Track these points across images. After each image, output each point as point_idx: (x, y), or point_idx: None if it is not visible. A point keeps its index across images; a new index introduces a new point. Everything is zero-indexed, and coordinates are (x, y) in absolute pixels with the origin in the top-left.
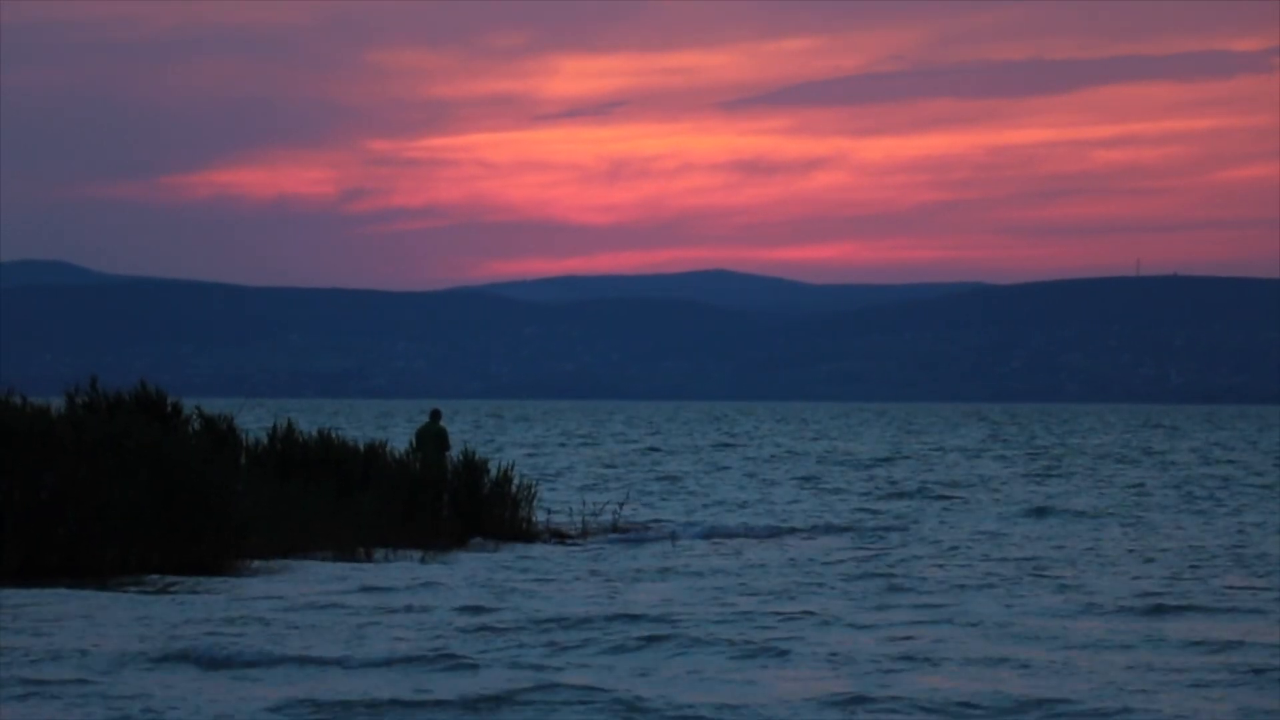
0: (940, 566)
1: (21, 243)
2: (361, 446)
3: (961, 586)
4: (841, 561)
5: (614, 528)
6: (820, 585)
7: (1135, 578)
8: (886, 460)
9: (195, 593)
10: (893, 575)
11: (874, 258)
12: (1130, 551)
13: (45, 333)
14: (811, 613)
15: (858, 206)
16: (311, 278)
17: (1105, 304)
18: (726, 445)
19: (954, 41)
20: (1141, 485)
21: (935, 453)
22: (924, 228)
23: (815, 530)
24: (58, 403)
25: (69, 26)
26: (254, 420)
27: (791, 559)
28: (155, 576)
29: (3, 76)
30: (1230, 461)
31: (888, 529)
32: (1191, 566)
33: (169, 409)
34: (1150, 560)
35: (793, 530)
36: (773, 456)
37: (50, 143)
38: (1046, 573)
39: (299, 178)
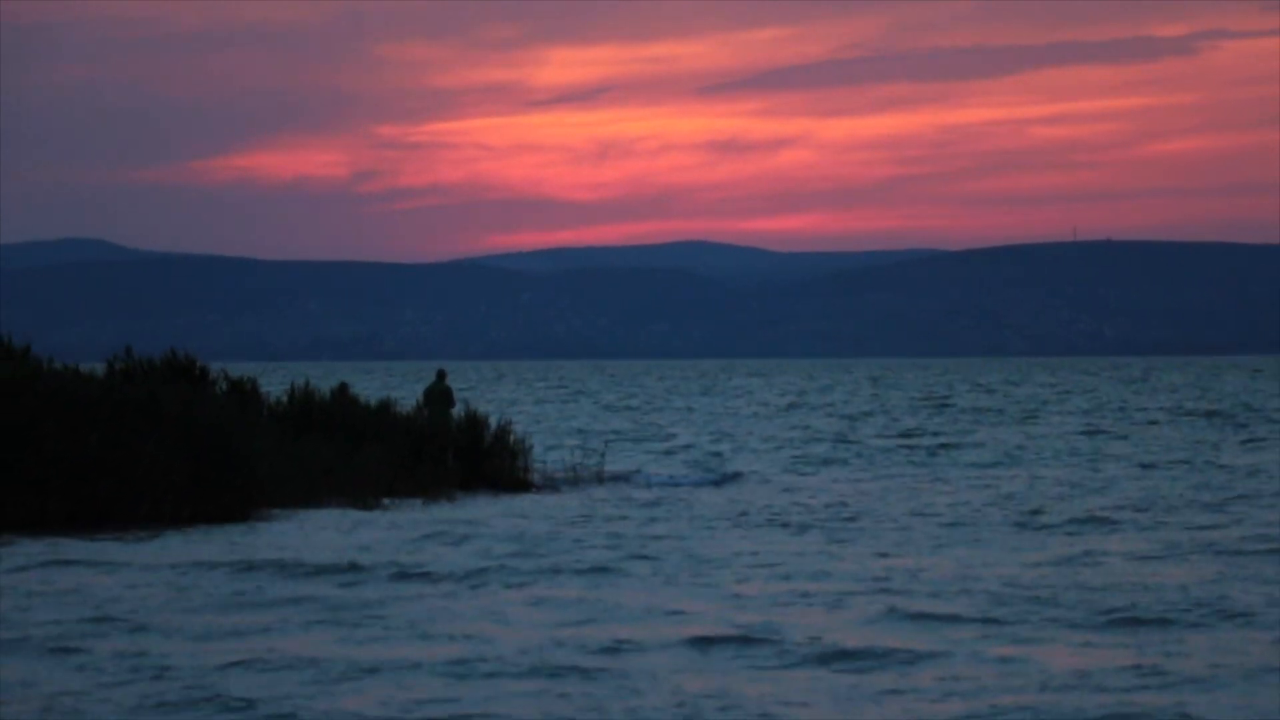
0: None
1: (63, 222)
2: (372, 404)
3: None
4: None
5: (598, 477)
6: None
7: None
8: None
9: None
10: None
11: (838, 227)
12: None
13: (85, 304)
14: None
15: (822, 181)
16: (326, 252)
17: (1045, 267)
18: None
19: (908, 30)
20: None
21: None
22: (882, 200)
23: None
24: (98, 368)
25: (105, 24)
26: (275, 382)
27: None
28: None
29: (50, 73)
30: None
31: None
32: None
33: (198, 372)
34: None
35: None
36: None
37: (88, 132)
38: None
39: (313, 161)
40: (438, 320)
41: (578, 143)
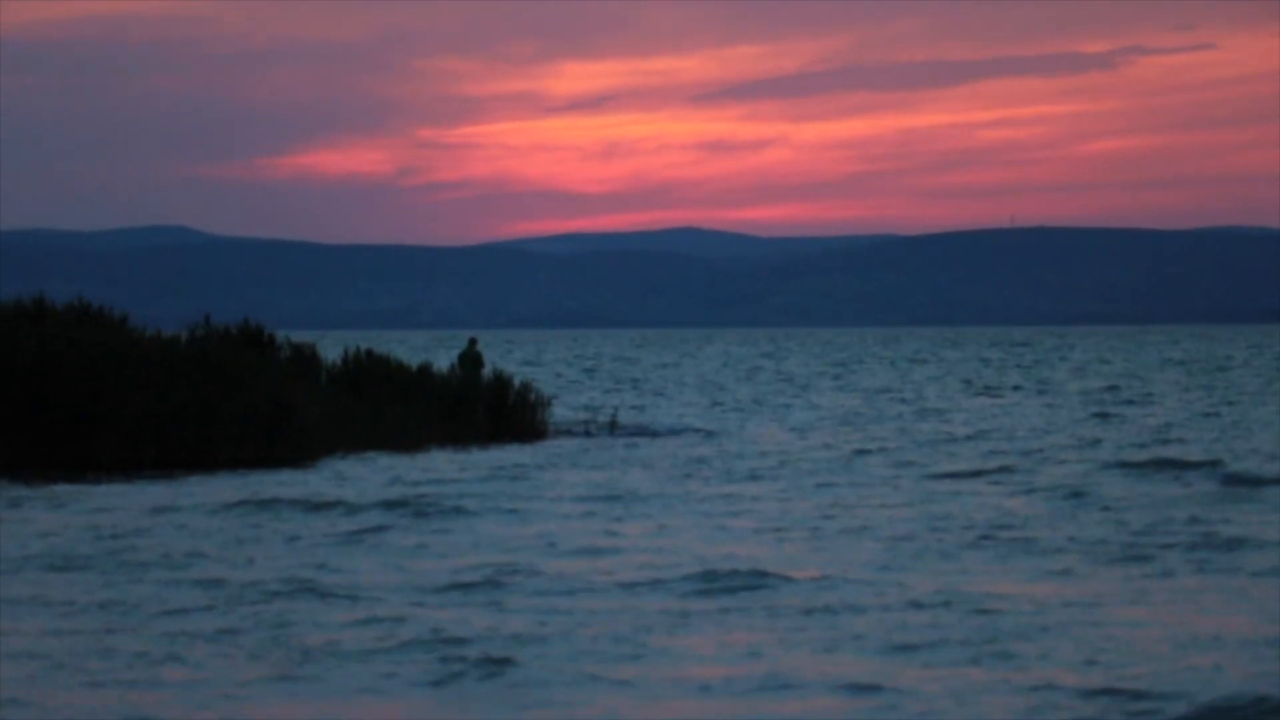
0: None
1: (150, 211)
2: (414, 367)
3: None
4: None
5: (613, 424)
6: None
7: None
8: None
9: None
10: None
11: (811, 216)
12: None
13: (169, 281)
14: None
15: (798, 176)
16: (373, 236)
17: (988, 249)
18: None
19: (870, 47)
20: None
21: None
22: (849, 192)
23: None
24: (182, 335)
25: (190, 43)
26: (331, 348)
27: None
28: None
29: (137, 82)
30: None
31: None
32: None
33: (265, 339)
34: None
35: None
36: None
37: (171, 133)
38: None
39: (362, 159)
40: (468, 295)
41: (587, 143)
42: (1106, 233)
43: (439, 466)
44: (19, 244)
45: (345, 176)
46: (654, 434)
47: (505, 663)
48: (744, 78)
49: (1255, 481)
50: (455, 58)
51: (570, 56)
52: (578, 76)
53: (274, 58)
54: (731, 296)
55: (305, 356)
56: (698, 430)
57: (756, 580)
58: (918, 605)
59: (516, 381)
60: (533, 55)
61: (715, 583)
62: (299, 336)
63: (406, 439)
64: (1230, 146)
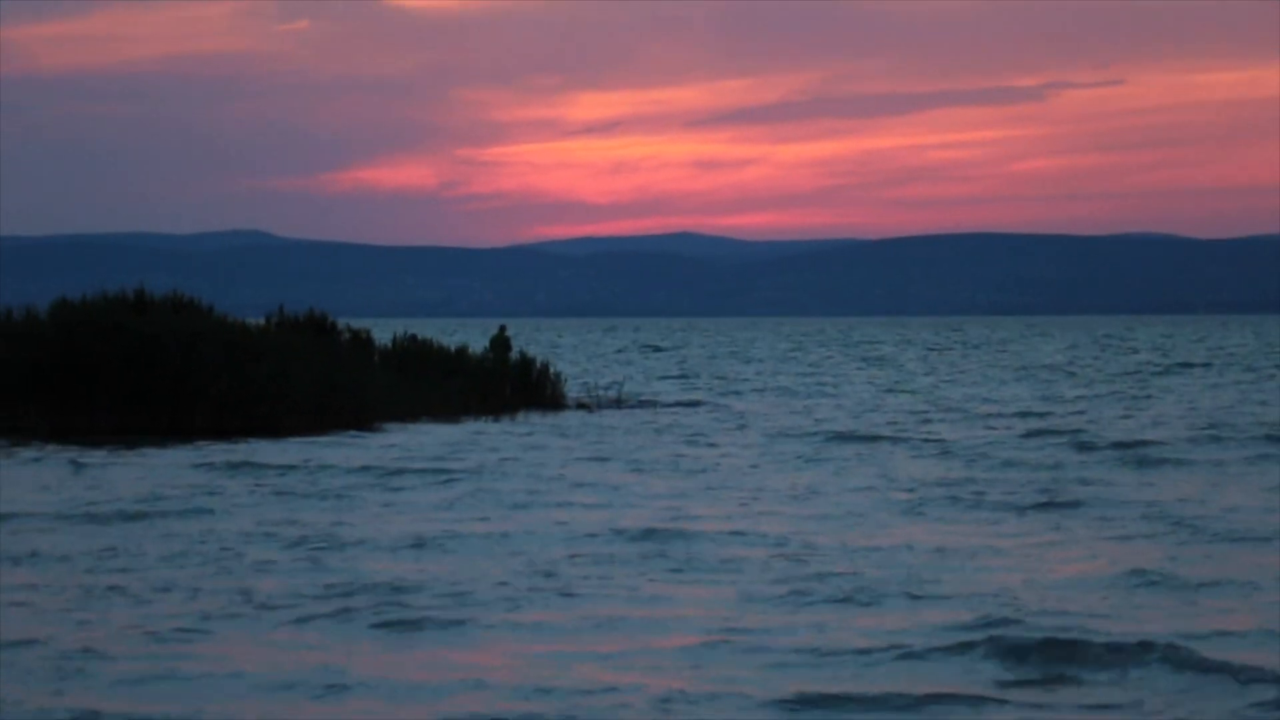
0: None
1: (234, 216)
2: (452, 349)
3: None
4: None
5: (618, 399)
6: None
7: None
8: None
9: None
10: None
11: (787, 223)
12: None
13: (249, 277)
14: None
15: (778, 189)
16: (420, 239)
17: (938, 251)
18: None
19: (838, 81)
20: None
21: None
22: (819, 203)
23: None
24: (260, 322)
25: (266, 76)
26: (382, 333)
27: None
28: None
29: (223, 109)
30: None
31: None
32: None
33: (328, 326)
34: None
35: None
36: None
37: (250, 152)
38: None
39: (411, 174)
40: (497, 288)
41: (599, 162)
42: (1035, 237)
43: (477, 430)
44: (125, 245)
45: (395, 189)
46: (652, 405)
47: (441, 609)
48: (731, 106)
49: (1096, 446)
50: (489, 89)
51: (585, 89)
52: (591, 105)
53: (336, 89)
54: (719, 290)
55: (361, 340)
56: (685, 404)
57: (676, 533)
58: (809, 552)
59: (538, 362)
60: (554, 87)
61: (644, 535)
62: (356, 323)
63: (447, 409)
64: (1136, 166)
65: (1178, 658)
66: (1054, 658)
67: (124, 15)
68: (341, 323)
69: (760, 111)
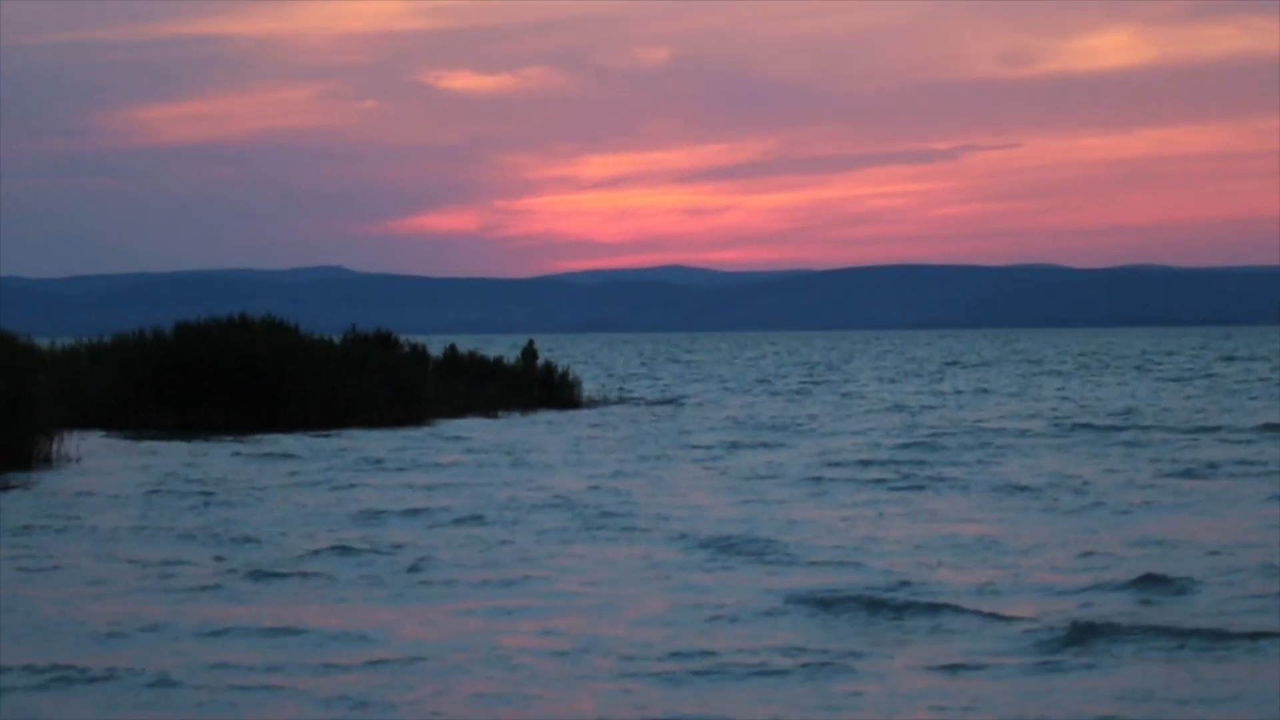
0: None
1: (319, 255)
2: (490, 359)
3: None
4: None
5: (624, 399)
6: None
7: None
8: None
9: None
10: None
11: (757, 257)
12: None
13: (330, 303)
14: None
15: (748, 231)
16: (465, 272)
17: (874, 279)
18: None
19: (796, 145)
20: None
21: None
22: (782, 242)
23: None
24: (337, 338)
25: (338, 145)
26: (435, 347)
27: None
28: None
29: (310, 170)
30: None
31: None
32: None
33: (393, 341)
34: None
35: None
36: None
37: (333, 204)
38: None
39: (458, 220)
40: (526, 310)
41: (606, 210)
42: (950, 268)
43: (510, 424)
44: (234, 278)
45: (446, 232)
46: (648, 404)
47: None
48: (711, 166)
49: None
50: (519, 154)
51: (596, 153)
52: (600, 166)
53: (399, 155)
54: (701, 311)
55: (419, 353)
56: (674, 401)
57: (627, 507)
58: (721, 522)
59: (558, 369)
60: (571, 152)
61: (598, 511)
62: (415, 339)
63: (486, 407)
64: (1029, 211)
65: (961, 610)
66: (866, 612)
67: (230, 98)
68: (403, 338)
69: (734, 169)
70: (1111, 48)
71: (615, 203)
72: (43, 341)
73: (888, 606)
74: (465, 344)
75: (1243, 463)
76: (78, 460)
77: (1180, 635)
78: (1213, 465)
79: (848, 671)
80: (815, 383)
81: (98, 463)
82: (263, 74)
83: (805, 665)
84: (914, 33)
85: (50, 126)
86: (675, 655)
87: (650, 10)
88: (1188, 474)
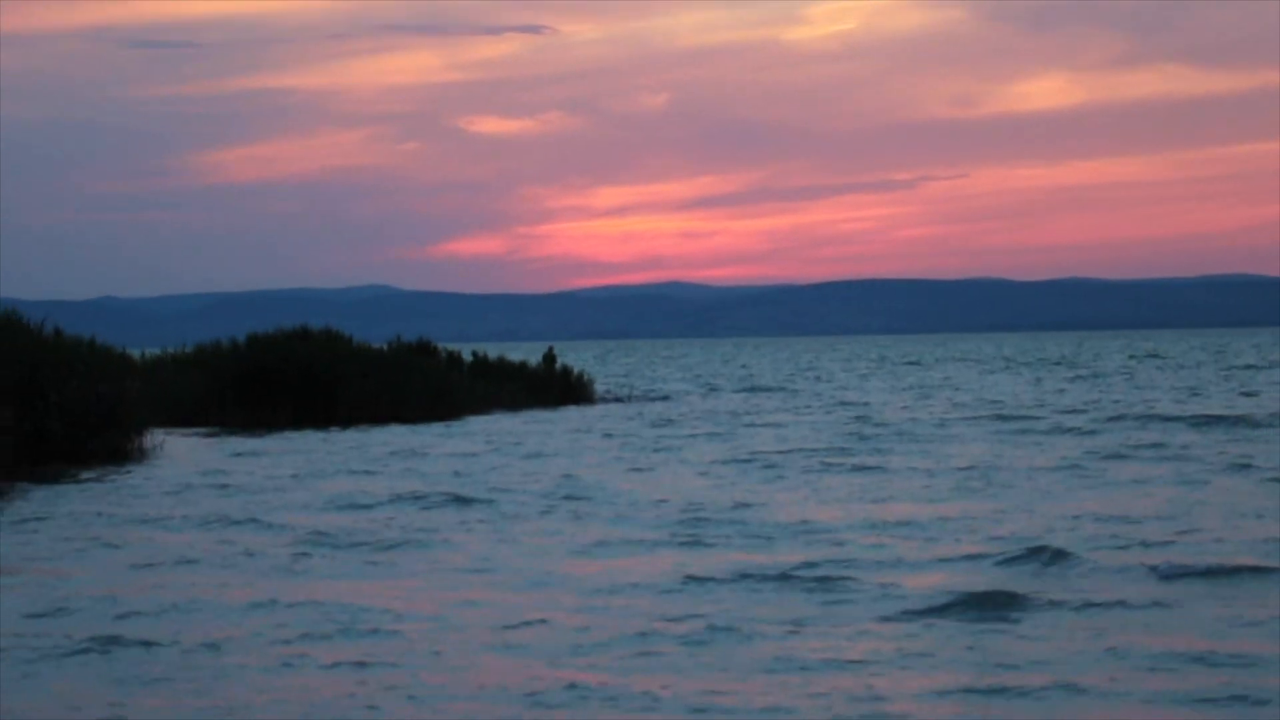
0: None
1: (368, 275)
2: (516, 362)
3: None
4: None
5: (630, 397)
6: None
7: None
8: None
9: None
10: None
11: (744, 274)
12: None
13: (376, 318)
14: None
15: (734, 252)
16: (493, 288)
17: (845, 292)
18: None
19: (778, 177)
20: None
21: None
22: (766, 261)
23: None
24: (384, 347)
25: (385, 182)
26: (467, 353)
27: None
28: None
29: (361, 203)
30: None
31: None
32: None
33: (432, 349)
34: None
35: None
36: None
37: (380, 231)
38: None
39: (486, 245)
40: (546, 321)
41: (615, 234)
42: (910, 281)
43: (534, 419)
44: (296, 296)
45: (476, 254)
46: (648, 400)
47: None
48: (704, 195)
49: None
50: (541, 187)
51: (606, 185)
52: (610, 197)
53: (437, 189)
54: (697, 321)
55: (454, 358)
56: (666, 398)
57: (598, 490)
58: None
59: (575, 371)
60: (584, 184)
61: (572, 491)
62: (451, 347)
63: (513, 404)
64: (978, 232)
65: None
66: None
67: (293, 142)
68: (440, 346)
69: (723, 198)
70: (1046, 92)
71: (621, 228)
72: (134, 352)
73: (798, 579)
74: (493, 350)
75: (1146, 446)
76: (163, 454)
77: (1058, 604)
78: (1120, 452)
79: (739, 637)
80: (788, 382)
81: (179, 455)
82: (320, 121)
83: (688, 632)
84: (878, 81)
85: (141, 168)
86: (544, 623)
87: (650, 63)
88: (1094, 456)
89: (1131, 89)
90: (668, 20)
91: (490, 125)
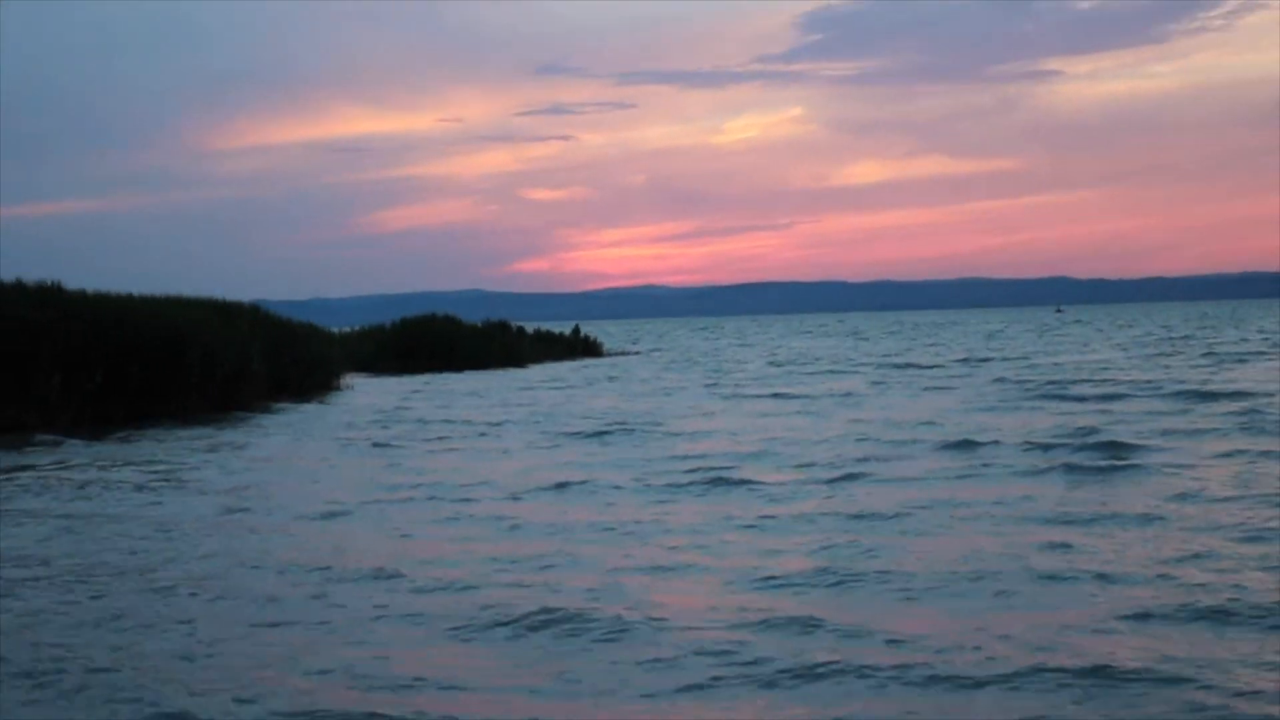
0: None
1: (467, 282)
2: (556, 332)
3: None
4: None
5: (621, 352)
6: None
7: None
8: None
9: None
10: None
11: (694, 279)
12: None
13: (475, 308)
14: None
15: (689, 265)
16: (542, 290)
17: (760, 290)
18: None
19: (713, 219)
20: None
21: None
22: (704, 272)
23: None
24: (480, 325)
25: (479, 228)
26: (530, 329)
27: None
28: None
29: (464, 242)
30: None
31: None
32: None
33: (507, 326)
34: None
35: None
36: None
37: (473, 257)
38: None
39: (538, 264)
40: (574, 309)
41: (614, 257)
42: (789, 283)
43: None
44: (425, 297)
45: (532, 269)
46: (635, 355)
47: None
48: (668, 233)
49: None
50: (569, 230)
51: (609, 228)
52: (611, 235)
53: (508, 232)
54: (664, 310)
55: (521, 331)
56: (644, 353)
57: (618, 426)
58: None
59: (592, 337)
60: (595, 228)
61: (607, 427)
62: (518, 323)
63: (555, 358)
64: (829, 254)
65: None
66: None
67: (424, 206)
68: (513, 324)
69: (680, 235)
70: (865, 172)
71: (618, 253)
72: (334, 330)
73: (715, 483)
74: (545, 326)
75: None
76: (351, 388)
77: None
78: (947, 385)
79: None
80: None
81: (365, 389)
82: (439, 194)
83: (593, 522)
84: (767, 165)
85: (338, 223)
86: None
87: (634, 157)
88: (933, 389)
89: (917, 170)
90: (644, 132)
91: (540, 194)
